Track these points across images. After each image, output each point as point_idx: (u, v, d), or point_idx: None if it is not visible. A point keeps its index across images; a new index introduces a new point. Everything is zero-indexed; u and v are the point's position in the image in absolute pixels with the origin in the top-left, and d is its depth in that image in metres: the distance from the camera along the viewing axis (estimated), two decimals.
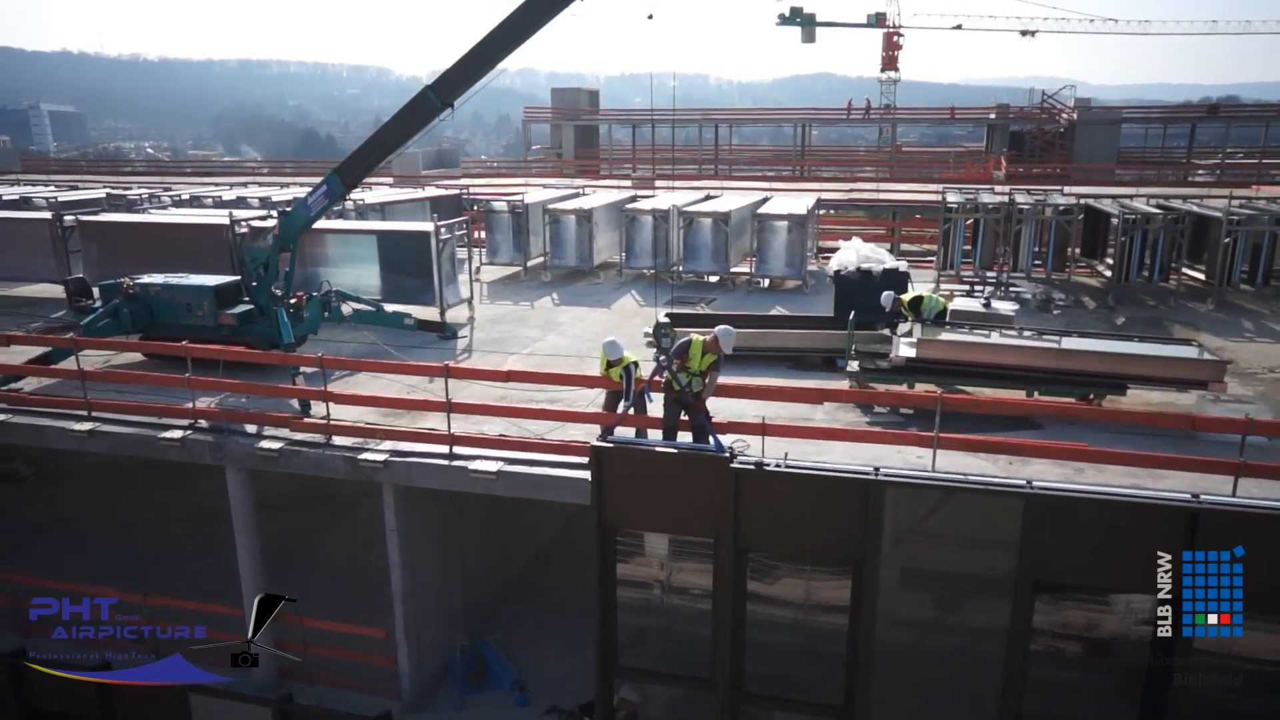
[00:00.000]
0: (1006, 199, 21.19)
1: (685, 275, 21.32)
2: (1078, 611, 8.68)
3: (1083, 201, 22.29)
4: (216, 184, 36.29)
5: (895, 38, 65.73)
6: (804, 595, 9.37)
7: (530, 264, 22.52)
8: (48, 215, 20.46)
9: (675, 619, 9.91)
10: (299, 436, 11.62)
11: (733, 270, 21.30)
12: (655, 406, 10.51)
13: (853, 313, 13.31)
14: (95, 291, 15.50)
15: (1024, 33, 66.18)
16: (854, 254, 16.74)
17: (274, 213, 16.78)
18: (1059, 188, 26.52)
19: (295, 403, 12.43)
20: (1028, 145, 50.25)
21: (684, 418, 9.98)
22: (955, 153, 58.39)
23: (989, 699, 8.52)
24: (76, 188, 31.96)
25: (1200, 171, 47.07)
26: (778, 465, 8.70)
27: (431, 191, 28.90)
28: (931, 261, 22.52)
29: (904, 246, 28.70)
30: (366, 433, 11.47)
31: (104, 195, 27.40)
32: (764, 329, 15.30)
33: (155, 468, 15.19)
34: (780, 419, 10.58)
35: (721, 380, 10.09)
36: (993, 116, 53.49)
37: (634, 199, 24.23)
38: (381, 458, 11.04)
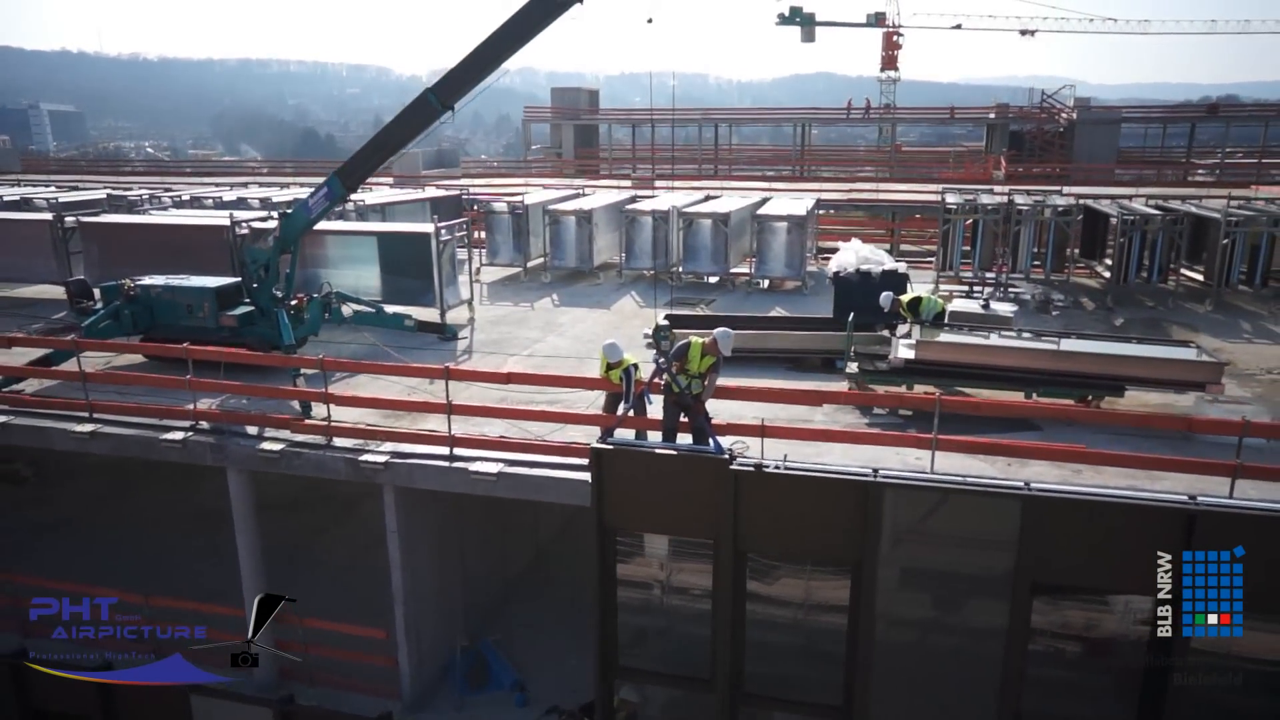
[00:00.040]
0: (1005, 200, 21.22)
1: (685, 276, 21.34)
2: (1076, 612, 8.72)
3: (1081, 202, 22.31)
4: (217, 184, 36.29)
5: (895, 37, 65.65)
6: (803, 596, 9.41)
7: (530, 265, 22.56)
8: (48, 216, 20.48)
9: (675, 620, 9.96)
10: (300, 438, 11.66)
11: (732, 271, 21.33)
12: (655, 408, 10.54)
13: (852, 314, 13.34)
14: (96, 293, 15.55)
15: (1024, 32, 66.28)
16: (853, 255, 16.77)
17: (274, 214, 16.82)
18: (1058, 188, 26.53)
19: (296, 404, 12.46)
20: (1027, 145, 50.24)
21: (683, 419, 10.02)
22: (955, 152, 58.34)
23: (988, 699, 8.57)
24: (77, 188, 31.88)
25: (1200, 171, 47.08)
26: (777, 466, 8.74)
27: (432, 192, 28.85)
28: (931, 262, 22.56)
29: (903, 247, 28.74)
30: (367, 434, 11.50)
31: (104, 196, 27.34)
32: (763, 330, 15.35)
33: (156, 469, 15.24)
34: (779, 420, 10.60)
35: (721, 382, 10.14)
36: (992, 116, 53.51)
37: (634, 199, 24.28)
38: (382, 459, 11.07)
